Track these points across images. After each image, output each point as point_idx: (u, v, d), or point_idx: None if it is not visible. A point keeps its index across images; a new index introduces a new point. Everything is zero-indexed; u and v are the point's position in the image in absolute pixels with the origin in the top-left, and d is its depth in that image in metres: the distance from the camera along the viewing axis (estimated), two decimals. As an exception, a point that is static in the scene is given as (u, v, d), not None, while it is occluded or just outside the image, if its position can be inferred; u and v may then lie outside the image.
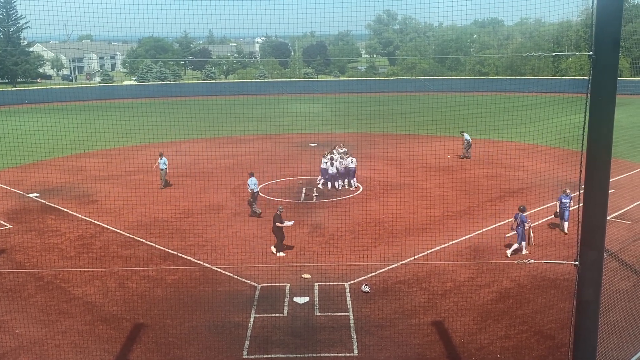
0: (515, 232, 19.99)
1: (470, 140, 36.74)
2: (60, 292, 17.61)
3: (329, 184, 29.39)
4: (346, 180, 29.61)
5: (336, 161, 29.14)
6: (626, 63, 79.47)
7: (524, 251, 19.84)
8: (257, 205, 25.00)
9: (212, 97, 69.74)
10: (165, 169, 29.84)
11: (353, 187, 29.42)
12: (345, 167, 29.37)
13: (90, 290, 17.67)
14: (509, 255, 19.68)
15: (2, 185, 30.47)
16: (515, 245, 19.81)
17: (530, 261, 8.63)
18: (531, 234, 20.39)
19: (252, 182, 24.84)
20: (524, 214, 19.74)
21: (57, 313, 16.28)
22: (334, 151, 30.49)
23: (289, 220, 20.91)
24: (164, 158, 29.80)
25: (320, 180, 29.85)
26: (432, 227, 22.97)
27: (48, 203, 27.40)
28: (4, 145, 32.45)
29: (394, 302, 16.57)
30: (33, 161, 34.17)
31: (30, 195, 28.81)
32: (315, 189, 29.03)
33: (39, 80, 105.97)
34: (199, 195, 27.83)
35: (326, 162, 29.16)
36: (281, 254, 20.29)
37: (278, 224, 20.19)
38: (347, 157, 29.61)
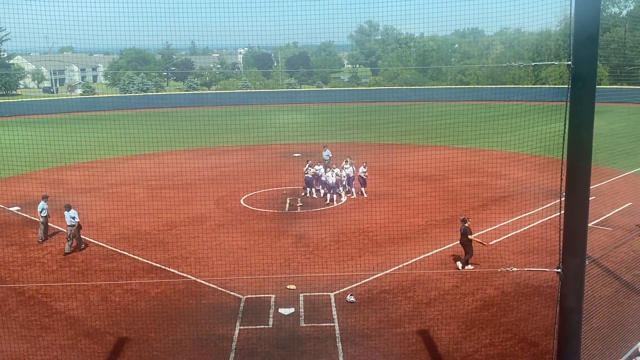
0: None
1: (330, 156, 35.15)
2: (42, 307, 17.37)
3: (328, 194, 28.74)
4: (350, 188, 29.52)
5: (344, 169, 29.20)
6: (605, 71, 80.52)
7: None
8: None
9: (194, 108, 69.59)
10: (74, 225, 21.85)
11: (364, 195, 29.40)
12: (360, 176, 29.45)
13: (72, 305, 17.46)
14: None
15: (-18, 199, 30.06)
16: None
17: (514, 269, 8.68)
18: None
19: (41, 207, 22.83)
20: None
21: (39, 328, 16.05)
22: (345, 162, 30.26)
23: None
24: (72, 210, 21.85)
25: (315, 190, 29.55)
26: (416, 236, 23.04)
27: (29, 217, 27.05)
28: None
29: (379, 311, 16.58)
30: (14, 174, 33.74)
31: (11, 208, 28.44)
32: (299, 198, 28.99)
33: None
34: (182, 206, 27.64)
35: (316, 170, 29.14)
36: (469, 266, 19.52)
37: (470, 237, 19.33)
38: (361, 166, 29.74)
